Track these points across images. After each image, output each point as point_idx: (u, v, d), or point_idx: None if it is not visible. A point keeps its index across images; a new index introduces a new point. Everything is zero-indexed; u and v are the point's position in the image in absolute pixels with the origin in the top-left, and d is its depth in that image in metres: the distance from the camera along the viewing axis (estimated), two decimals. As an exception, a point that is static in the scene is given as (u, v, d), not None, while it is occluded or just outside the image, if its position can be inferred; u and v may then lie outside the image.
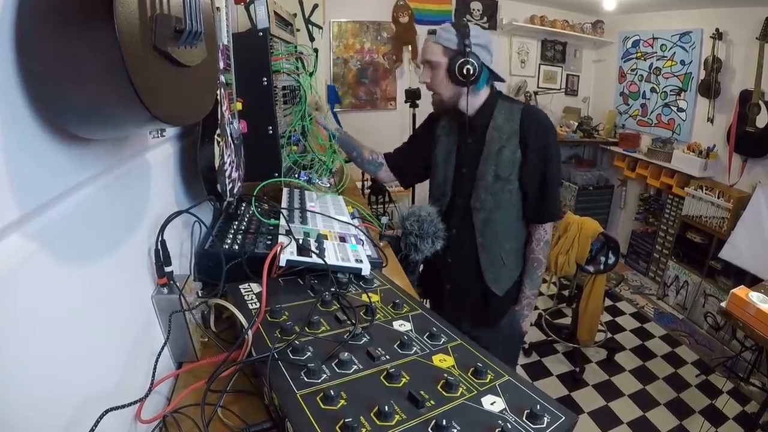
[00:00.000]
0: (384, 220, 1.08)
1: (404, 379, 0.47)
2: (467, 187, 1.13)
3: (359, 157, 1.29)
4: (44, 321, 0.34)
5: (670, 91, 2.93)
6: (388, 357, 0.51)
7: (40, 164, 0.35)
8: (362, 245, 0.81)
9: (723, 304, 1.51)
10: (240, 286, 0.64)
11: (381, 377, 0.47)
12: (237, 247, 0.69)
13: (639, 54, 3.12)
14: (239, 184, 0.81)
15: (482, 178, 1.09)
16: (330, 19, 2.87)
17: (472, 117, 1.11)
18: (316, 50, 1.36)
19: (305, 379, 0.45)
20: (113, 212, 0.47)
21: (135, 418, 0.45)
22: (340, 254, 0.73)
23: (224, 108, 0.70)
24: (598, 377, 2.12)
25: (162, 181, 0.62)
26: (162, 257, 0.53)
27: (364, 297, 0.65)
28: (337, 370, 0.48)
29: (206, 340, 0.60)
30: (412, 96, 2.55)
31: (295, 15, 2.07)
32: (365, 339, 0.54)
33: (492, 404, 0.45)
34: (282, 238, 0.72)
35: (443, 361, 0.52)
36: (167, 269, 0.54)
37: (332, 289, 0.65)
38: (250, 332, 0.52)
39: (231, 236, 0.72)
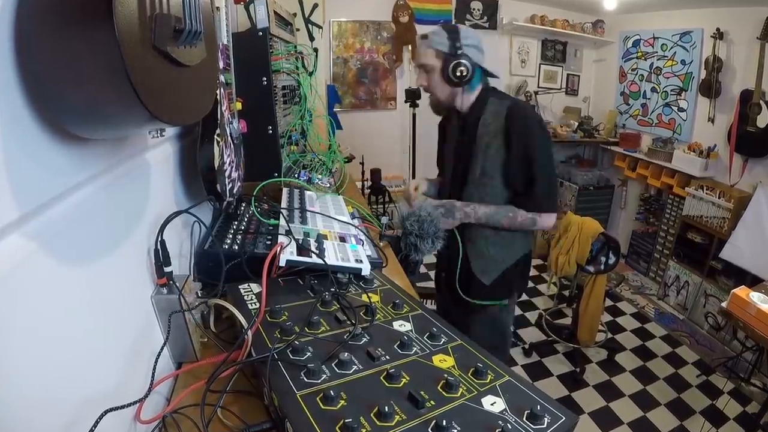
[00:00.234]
0: (384, 220, 1.08)
1: (404, 380, 0.47)
2: (461, 183, 1.16)
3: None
4: (43, 321, 0.34)
5: (671, 90, 2.92)
6: (388, 357, 0.51)
7: (39, 164, 0.35)
8: (362, 245, 0.80)
9: (724, 305, 1.51)
10: (240, 287, 0.64)
11: (381, 377, 0.47)
12: (237, 247, 0.69)
13: (639, 54, 3.12)
14: (239, 184, 0.81)
15: (471, 173, 1.13)
16: (330, 19, 2.87)
17: (466, 114, 1.14)
18: (315, 50, 1.37)
19: (305, 379, 0.45)
20: (113, 212, 0.47)
21: (134, 419, 0.45)
22: (340, 254, 0.73)
23: (224, 108, 0.70)
24: (599, 377, 2.12)
25: (161, 181, 0.62)
26: (161, 257, 0.53)
27: (364, 297, 0.65)
28: (337, 370, 0.47)
29: (206, 340, 0.60)
30: (412, 96, 2.55)
31: (294, 14, 2.07)
32: (365, 339, 0.54)
33: (492, 405, 0.45)
34: (282, 238, 0.72)
35: (443, 361, 0.52)
36: (167, 269, 0.54)
37: (332, 290, 0.65)
38: (249, 332, 0.52)
39: (231, 236, 0.72)
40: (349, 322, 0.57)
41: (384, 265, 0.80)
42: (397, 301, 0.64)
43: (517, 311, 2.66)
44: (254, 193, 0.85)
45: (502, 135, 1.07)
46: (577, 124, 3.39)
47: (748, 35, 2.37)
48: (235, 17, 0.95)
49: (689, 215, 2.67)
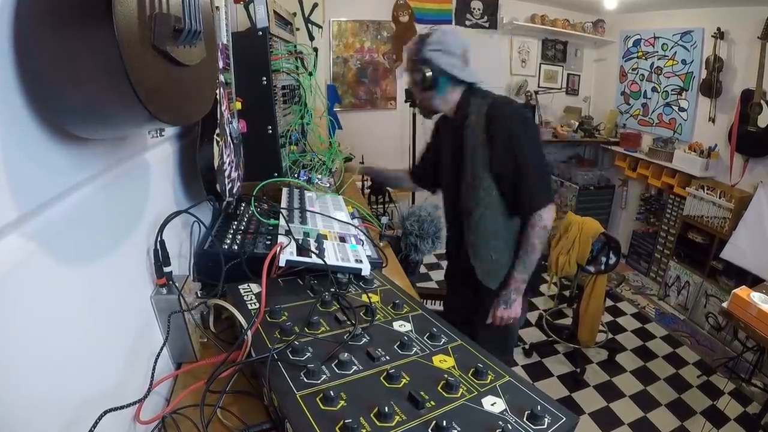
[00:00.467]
0: (384, 220, 1.08)
1: (404, 380, 0.47)
2: (456, 187, 1.16)
3: (399, 179, 1.42)
4: (43, 321, 0.34)
5: (672, 90, 2.92)
6: (388, 357, 0.51)
7: (38, 164, 0.35)
8: (362, 245, 0.80)
9: (724, 305, 1.51)
10: (239, 287, 0.64)
11: (381, 378, 0.47)
12: (236, 248, 0.69)
13: (640, 53, 3.11)
14: (238, 183, 0.81)
15: (464, 178, 1.12)
16: (330, 18, 2.87)
17: (453, 119, 1.15)
18: (315, 49, 1.36)
19: (305, 379, 0.45)
20: (112, 212, 0.47)
21: (134, 419, 0.45)
22: (340, 254, 0.72)
23: (223, 107, 0.70)
24: (599, 378, 2.11)
25: (161, 180, 0.62)
26: (161, 257, 0.53)
27: (364, 297, 0.65)
28: (337, 370, 0.47)
29: (205, 340, 0.60)
30: (413, 96, 2.55)
31: (294, 14, 2.07)
32: (365, 339, 0.54)
33: (492, 405, 0.45)
34: (281, 238, 0.72)
35: (443, 361, 0.51)
36: (166, 269, 0.54)
37: (332, 290, 0.65)
38: (249, 333, 0.52)
39: (230, 236, 0.72)
40: (349, 323, 0.57)
41: (384, 265, 0.80)
42: (397, 301, 0.64)
43: (518, 311, 2.66)
44: (254, 193, 0.85)
45: (484, 135, 1.06)
46: (577, 123, 3.38)
47: (749, 35, 2.36)
48: (234, 17, 0.95)
49: (690, 215, 2.66)
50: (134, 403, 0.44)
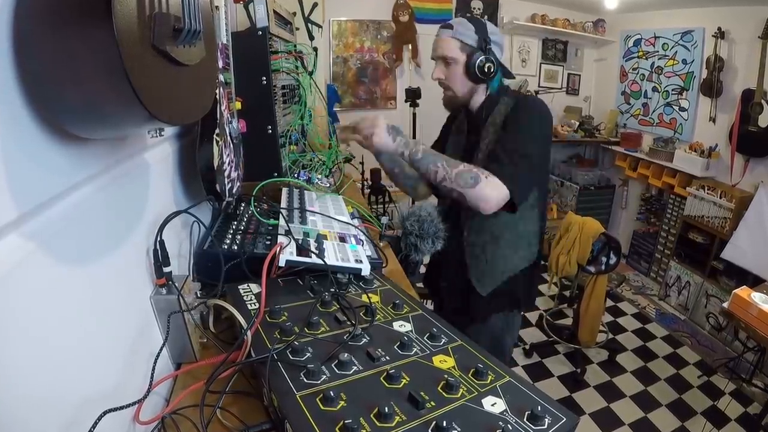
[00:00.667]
0: (384, 220, 1.07)
1: (404, 380, 0.47)
2: None
3: (401, 173, 1.19)
4: (42, 321, 0.34)
5: (672, 90, 2.92)
6: (388, 358, 0.51)
7: (38, 164, 0.35)
8: (362, 245, 0.80)
9: (725, 305, 1.51)
10: (239, 287, 0.64)
11: (381, 378, 0.47)
12: (236, 248, 0.69)
13: (641, 53, 3.11)
14: (238, 183, 0.81)
15: None
16: (329, 18, 2.87)
17: (475, 114, 1.09)
18: (315, 49, 1.36)
19: (305, 380, 0.45)
20: (112, 212, 0.47)
21: (133, 420, 0.45)
22: (340, 254, 0.72)
23: (223, 107, 0.70)
24: (600, 378, 2.11)
25: (161, 180, 0.62)
26: (161, 257, 0.53)
27: (364, 297, 0.64)
28: (337, 371, 0.47)
29: (205, 340, 0.60)
30: (413, 95, 2.55)
31: (294, 14, 2.07)
32: (365, 340, 0.54)
33: (493, 405, 0.45)
34: (281, 239, 0.72)
35: (444, 362, 0.51)
36: (166, 269, 0.54)
37: (332, 290, 0.65)
38: (249, 333, 0.52)
39: (230, 236, 0.72)
40: (348, 323, 0.57)
41: (384, 265, 0.80)
42: (397, 301, 0.64)
43: (518, 311, 2.65)
44: (254, 193, 0.85)
45: (501, 124, 1.01)
46: (577, 123, 3.38)
47: (750, 34, 2.36)
48: (234, 16, 0.95)
49: (690, 215, 2.66)
50: (134, 403, 0.44)
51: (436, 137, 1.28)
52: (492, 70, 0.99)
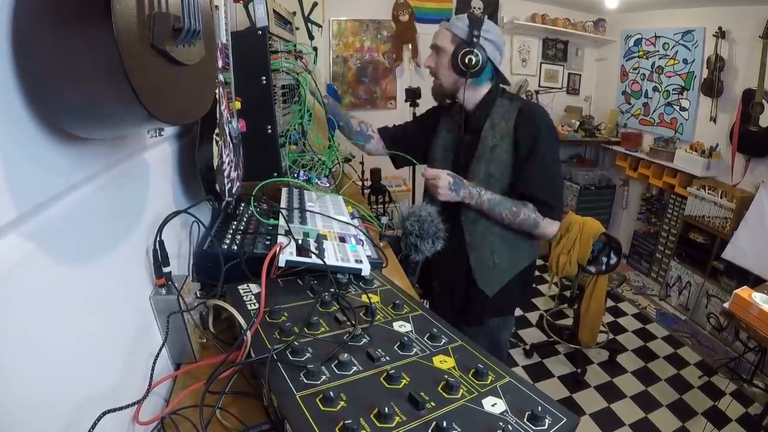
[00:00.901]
0: (384, 220, 1.07)
1: (404, 381, 0.47)
2: None
3: (347, 126, 1.28)
4: (41, 321, 0.34)
5: (673, 90, 2.91)
6: (388, 358, 0.50)
7: (37, 164, 0.35)
8: (362, 245, 0.80)
9: (726, 305, 1.51)
10: (239, 287, 0.64)
11: (381, 378, 0.47)
12: (236, 248, 0.69)
13: (641, 53, 3.11)
14: (238, 183, 0.81)
15: (474, 177, 1.09)
16: (329, 18, 2.86)
17: (471, 113, 1.10)
18: (315, 49, 1.36)
19: (304, 380, 0.45)
20: (111, 212, 0.47)
21: (133, 420, 0.45)
22: (340, 255, 0.72)
23: (223, 107, 0.70)
24: (600, 378, 2.11)
25: (160, 180, 0.62)
26: (160, 257, 0.53)
27: (364, 298, 0.64)
28: (337, 371, 0.47)
29: (205, 341, 0.60)
30: (413, 95, 2.55)
31: (294, 13, 2.07)
32: (365, 340, 0.54)
33: (493, 406, 0.45)
34: (281, 239, 0.72)
35: (444, 362, 0.51)
36: (165, 270, 0.54)
37: (332, 290, 0.64)
38: (248, 333, 0.52)
39: (230, 236, 0.72)
40: (348, 323, 0.57)
41: (384, 265, 0.80)
42: (398, 301, 0.64)
43: (518, 312, 2.65)
44: (253, 193, 0.85)
45: (510, 137, 1.04)
46: (578, 123, 3.38)
47: (751, 34, 2.36)
48: (234, 16, 0.95)
49: (691, 215, 2.66)
50: (133, 403, 0.44)
51: None
52: (474, 63, 1.02)
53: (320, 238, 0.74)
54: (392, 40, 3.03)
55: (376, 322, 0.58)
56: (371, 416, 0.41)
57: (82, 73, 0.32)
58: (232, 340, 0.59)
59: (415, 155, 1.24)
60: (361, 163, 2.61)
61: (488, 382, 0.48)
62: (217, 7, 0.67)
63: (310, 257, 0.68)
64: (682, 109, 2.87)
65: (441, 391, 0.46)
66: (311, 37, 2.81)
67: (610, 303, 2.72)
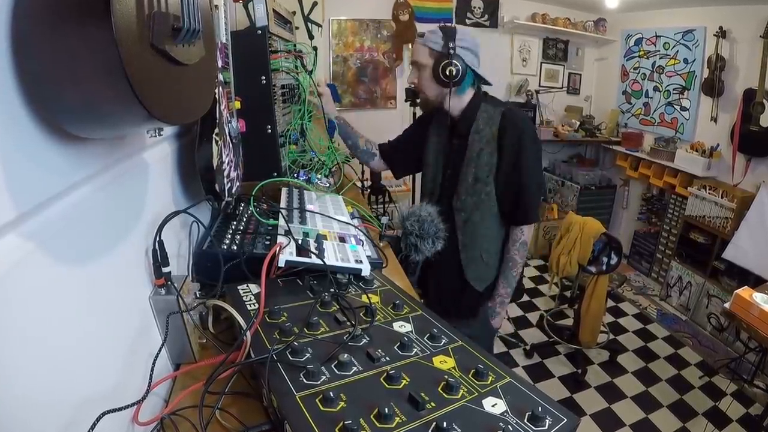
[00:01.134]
0: (384, 220, 1.07)
1: (404, 381, 0.47)
2: (451, 188, 1.17)
3: (354, 145, 1.36)
4: (41, 321, 0.34)
5: (673, 89, 2.91)
6: (388, 358, 0.50)
7: (37, 164, 0.35)
8: (362, 246, 0.80)
9: (726, 305, 1.50)
10: (238, 287, 0.64)
11: (381, 379, 0.47)
12: (235, 248, 0.68)
13: (642, 52, 3.10)
14: (238, 183, 0.81)
15: (463, 180, 1.13)
16: (329, 17, 2.86)
17: (458, 119, 1.15)
18: (315, 48, 1.36)
19: (304, 380, 0.45)
20: (110, 212, 0.47)
21: (132, 421, 0.45)
22: (340, 255, 0.72)
23: (222, 107, 0.70)
24: (601, 379, 2.11)
25: (160, 180, 0.62)
26: (160, 257, 0.53)
27: (364, 298, 0.64)
28: (337, 371, 0.47)
29: (204, 341, 0.60)
30: (413, 95, 2.54)
31: (294, 13, 2.07)
32: (365, 340, 0.53)
33: (493, 406, 0.44)
34: (281, 239, 0.71)
35: (444, 362, 0.51)
36: (165, 270, 0.53)
37: (331, 290, 0.64)
38: (248, 333, 0.52)
39: (229, 236, 0.72)
40: (348, 323, 0.57)
41: (384, 265, 0.80)
42: (398, 301, 0.64)
43: (518, 312, 2.65)
44: (253, 193, 0.85)
45: (495, 142, 1.08)
46: (578, 123, 3.37)
47: (751, 33, 2.35)
48: (233, 15, 0.95)
49: (692, 215, 2.66)
50: (133, 404, 0.44)
51: None
52: (455, 74, 1.05)
53: (320, 238, 0.74)
54: (392, 39, 3.03)
55: (376, 323, 0.58)
56: (371, 417, 0.41)
57: (82, 72, 0.32)
58: (232, 341, 0.58)
59: (412, 165, 1.32)
60: (361, 163, 2.61)
61: (488, 382, 0.48)
62: (216, 6, 0.67)
63: (310, 257, 0.68)
64: (683, 108, 2.86)
65: (441, 391, 0.46)
66: (311, 37, 2.81)
67: (610, 303, 2.72)
